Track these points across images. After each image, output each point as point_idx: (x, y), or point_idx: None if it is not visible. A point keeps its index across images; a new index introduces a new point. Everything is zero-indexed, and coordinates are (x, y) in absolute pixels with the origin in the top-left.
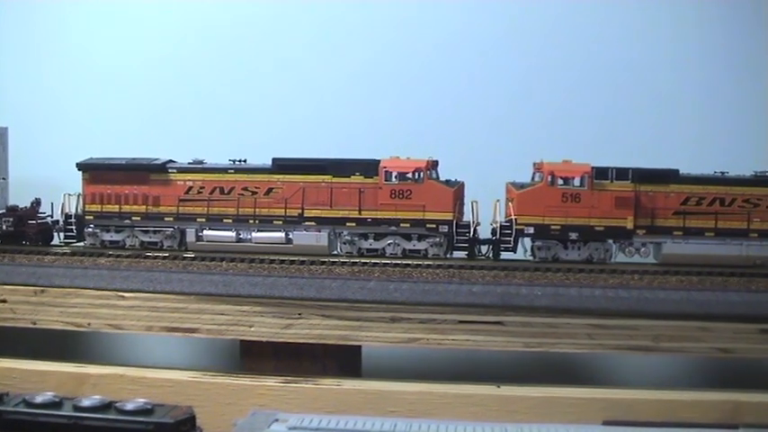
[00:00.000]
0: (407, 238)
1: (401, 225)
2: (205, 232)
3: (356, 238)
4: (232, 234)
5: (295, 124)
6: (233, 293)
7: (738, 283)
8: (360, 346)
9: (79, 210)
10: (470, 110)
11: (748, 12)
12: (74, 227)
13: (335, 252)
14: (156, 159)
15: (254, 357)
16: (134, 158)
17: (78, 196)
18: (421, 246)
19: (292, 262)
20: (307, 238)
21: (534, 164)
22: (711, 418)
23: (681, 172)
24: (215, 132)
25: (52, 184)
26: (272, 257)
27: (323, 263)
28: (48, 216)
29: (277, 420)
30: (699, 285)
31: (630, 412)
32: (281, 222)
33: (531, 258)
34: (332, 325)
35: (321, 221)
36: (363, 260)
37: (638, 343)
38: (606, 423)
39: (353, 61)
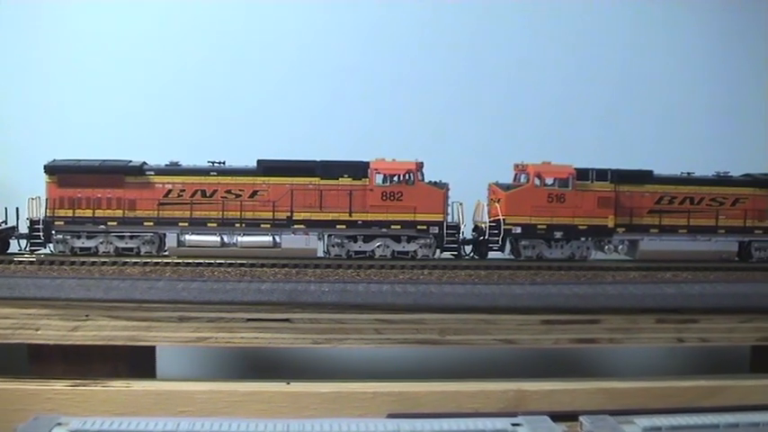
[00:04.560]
0: (397, 239)
1: (392, 227)
2: (187, 237)
3: (345, 241)
4: (216, 238)
5: (273, 125)
6: (18, 296)
7: (525, 276)
8: (154, 347)
9: (42, 215)
10: (441, 111)
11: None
12: (41, 233)
13: (325, 255)
14: (130, 161)
15: (42, 361)
16: (105, 160)
17: (45, 200)
18: (410, 247)
19: (83, 263)
20: (296, 241)
21: (516, 165)
22: (495, 406)
23: (655, 173)
24: (184, 134)
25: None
26: (61, 259)
27: (114, 263)
28: (2, 222)
29: (59, 424)
30: (486, 279)
31: (416, 404)
32: (268, 226)
33: (512, 257)
34: (120, 326)
35: (311, 224)
36: (155, 260)
37: (424, 336)
38: (390, 416)
39: (324, 61)
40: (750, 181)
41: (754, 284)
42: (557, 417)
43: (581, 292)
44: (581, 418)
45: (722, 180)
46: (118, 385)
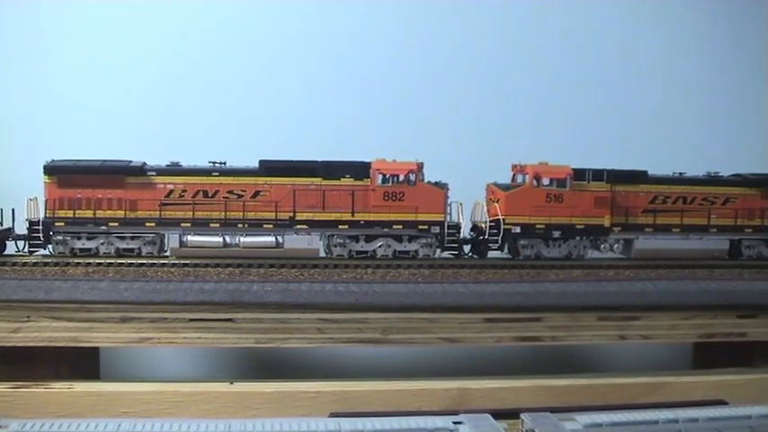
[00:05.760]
0: (398, 239)
1: (393, 227)
2: (189, 238)
3: (347, 241)
4: (219, 239)
5: (271, 126)
6: None
7: (468, 275)
8: (98, 348)
9: (40, 216)
10: (436, 113)
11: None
12: (41, 234)
13: (327, 255)
14: (131, 161)
15: None
16: (105, 160)
17: (44, 201)
18: (412, 247)
19: (25, 264)
20: (299, 241)
21: (514, 165)
22: (438, 405)
23: (649, 173)
24: (183, 134)
25: None
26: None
27: (56, 264)
28: None
29: None
30: (429, 278)
31: (360, 403)
32: (271, 226)
33: (509, 256)
34: (62, 327)
35: (313, 224)
36: (98, 260)
37: (367, 335)
38: (332, 415)
39: (323, 62)
40: (740, 181)
41: (694, 282)
42: (499, 414)
43: (523, 290)
44: (522, 416)
45: (713, 180)
46: (60, 387)
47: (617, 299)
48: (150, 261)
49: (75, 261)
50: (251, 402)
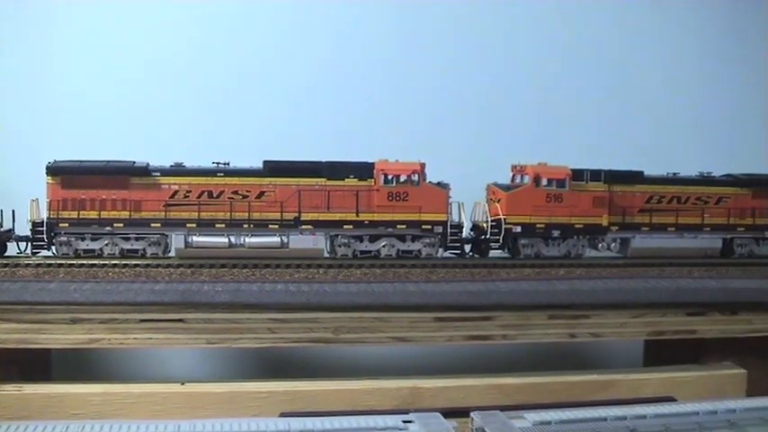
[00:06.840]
0: (402, 239)
1: (397, 227)
2: (195, 238)
3: (352, 241)
4: (224, 240)
5: (272, 126)
6: None
7: (419, 275)
8: (50, 350)
9: (44, 217)
10: (431, 115)
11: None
12: (44, 235)
13: (330, 255)
14: (134, 162)
15: None
16: (109, 161)
17: (47, 202)
18: (415, 246)
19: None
20: (303, 241)
21: (514, 166)
22: (390, 404)
23: (645, 173)
24: (183, 135)
25: None
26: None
27: (5, 265)
28: None
29: None
30: (380, 277)
31: (312, 403)
32: (276, 226)
33: (508, 256)
34: (10, 329)
35: (318, 225)
36: (49, 261)
37: (318, 335)
38: (283, 415)
39: (323, 62)
40: (732, 181)
41: (644, 280)
42: (449, 413)
43: (474, 289)
44: (472, 414)
45: (707, 180)
46: (8, 389)
47: (567, 297)
48: (102, 262)
49: (59, 262)
50: (202, 403)
